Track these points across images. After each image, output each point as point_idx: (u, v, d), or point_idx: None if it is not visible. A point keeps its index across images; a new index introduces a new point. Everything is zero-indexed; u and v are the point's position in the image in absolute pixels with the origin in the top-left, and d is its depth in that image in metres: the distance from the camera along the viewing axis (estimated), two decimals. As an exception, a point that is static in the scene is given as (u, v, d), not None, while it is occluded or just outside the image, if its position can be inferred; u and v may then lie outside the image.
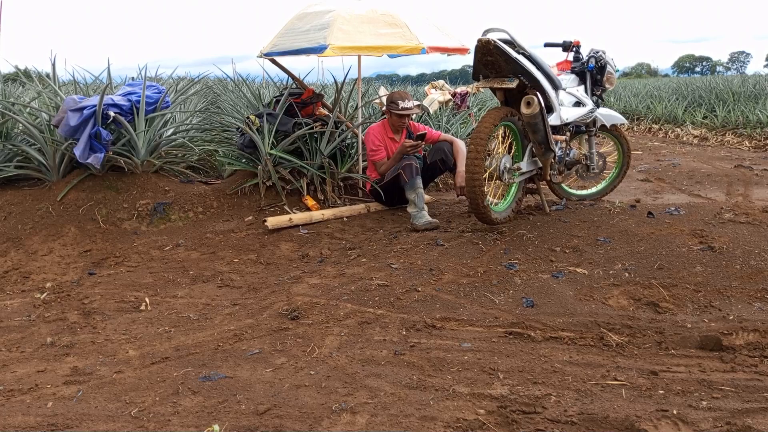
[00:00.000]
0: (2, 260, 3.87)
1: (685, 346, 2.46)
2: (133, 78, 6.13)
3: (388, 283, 3.15)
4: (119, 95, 4.56)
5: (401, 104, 4.55)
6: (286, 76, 5.59)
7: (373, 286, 3.12)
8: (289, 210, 4.54)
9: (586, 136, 4.48)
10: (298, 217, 4.35)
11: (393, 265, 3.39)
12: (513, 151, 3.96)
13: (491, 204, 3.82)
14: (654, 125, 11.83)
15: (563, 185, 4.53)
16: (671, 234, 3.46)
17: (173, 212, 4.47)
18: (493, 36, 3.54)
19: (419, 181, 4.33)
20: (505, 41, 3.57)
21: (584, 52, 4.40)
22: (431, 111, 7.45)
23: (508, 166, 3.78)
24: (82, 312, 3.06)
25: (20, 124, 4.63)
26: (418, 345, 2.50)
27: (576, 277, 3.11)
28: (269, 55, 5.04)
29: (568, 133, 4.21)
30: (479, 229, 3.91)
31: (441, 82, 9.36)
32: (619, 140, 4.71)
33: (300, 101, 5.08)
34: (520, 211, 4.18)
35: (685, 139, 10.25)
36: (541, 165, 4.06)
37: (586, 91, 4.31)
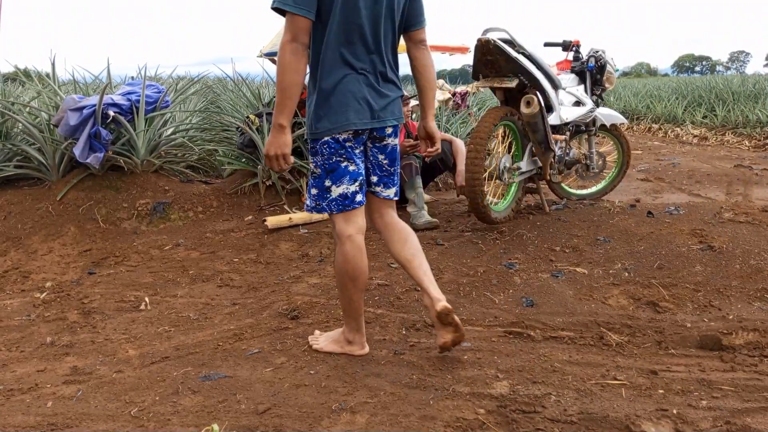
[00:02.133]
0: (2, 260, 3.87)
1: (685, 345, 2.46)
2: (132, 77, 6.12)
3: (388, 283, 3.15)
4: (119, 95, 4.56)
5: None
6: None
7: (373, 286, 3.12)
8: (288, 209, 4.54)
9: (586, 136, 4.48)
10: (298, 216, 4.35)
11: (393, 265, 3.39)
12: (513, 150, 3.96)
13: (491, 203, 3.82)
14: (654, 125, 11.84)
15: (563, 185, 4.53)
16: (671, 233, 3.46)
17: (173, 212, 4.47)
18: (492, 35, 3.55)
19: (419, 181, 4.33)
20: (505, 41, 3.58)
21: (584, 52, 4.41)
22: (431, 110, 7.44)
23: (507, 165, 3.78)
24: (82, 311, 3.06)
25: (20, 124, 4.63)
26: (418, 344, 2.50)
27: (576, 276, 3.11)
28: (269, 55, 5.05)
29: (567, 133, 4.21)
30: (479, 228, 3.91)
31: (441, 81, 9.36)
32: (619, 140, 4.71)
33: (300, 101, 5.08)
34: (520, 210, 4.18)
35: (684, 138, 10.25)
36: (540, 164, 4.06)
37: (585, 91, 4.32)
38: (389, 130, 2.32)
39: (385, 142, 2.32)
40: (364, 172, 2.29)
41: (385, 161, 2.34)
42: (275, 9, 2.08)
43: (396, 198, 2.44)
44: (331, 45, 2.12)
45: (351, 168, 2.22)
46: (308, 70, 2.19)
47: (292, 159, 2.15)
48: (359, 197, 2.26)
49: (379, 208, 2.40)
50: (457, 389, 2.12)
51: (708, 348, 2.44)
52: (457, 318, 2.26)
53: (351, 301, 2.33)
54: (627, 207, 4.17)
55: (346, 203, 2.23)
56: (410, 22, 2.27)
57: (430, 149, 2.47)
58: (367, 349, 2.40)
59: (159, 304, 3.14)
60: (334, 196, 2.23)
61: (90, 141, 4.22)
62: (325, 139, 2.19)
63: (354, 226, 2.27)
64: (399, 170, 2.44)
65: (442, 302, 2.26)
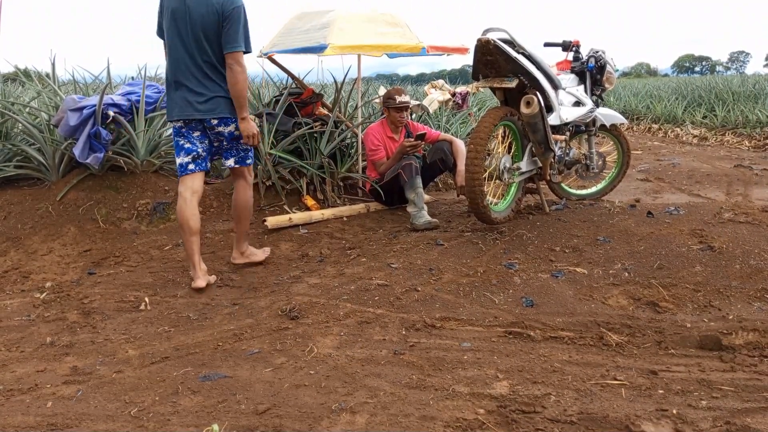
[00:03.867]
0: (2, 260, 3.87)
1: (685, 345, 2.46)
2: (132, 78, 6.12)
3: (387, 283, 3.15)
4: (119, 95, 4.56)
5: (398, 98, 4.61)
6: (285, 75, 5.59)
7: (373, 286, 3.12)
8: (288, 210, 4.54)
9: (586, 136, 4.48)
10: (298, 216, 4.35)
11: (393, 265, 3.39)
12: (513, 150, 3.96)
13: (491, 204, 3.82)
14: (654, 125, 11.84)
15: (563, 185, 4.53)
16: (671, 234, 3.46)
17: (173, 212, 4.46)
18: (492, 35, 3.54)
19: (419, 181, 4.33)
20: (505, 41, 3.57)
21: (584, 52, 4.40)
22: (431, 111, 7.46)
23: (507, 165, 3.78)
24: (82, 312, 3.06)
25: (20, 124, 4.62)
26: (418, 345, 2.50)
27: (576, 276, 3.11)
28: (269, 55, 5.04)
29: (567, 133, 4.21)
30: (479, 228, 3.91)
31: (441, 81, 9.36)
32: (619, 140, 4.71)
33: (300, 101, 5.08)
34: (520, 210, 4.18)
35: (684, 138, 10.25)
36: (540, 165, 4.06)
37: (585, 91, 4.31)
38: (215, 121, 3.24)
39: (216, 130, 3.28)
40: (200, 150, 3.29)
41: (223, 141, 3.34)
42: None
43: (237, 166, 3.42)
44: (168, 59, 3.23)
45: (186, 146, 3.28)
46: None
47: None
48: (191, 166, 3.29)
49: (233, 172, 3.50)
50: (456, 389, 2.12)
51: (708, 348, 2.44)
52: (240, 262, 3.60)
53: (185, 242, 3.34)
54: (627, 207, 4.17)
55: (185, 170, 3.29)
56: (222, 47, 3.17)
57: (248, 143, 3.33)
58: (199, 283, 3.27)
59: (159, 304, 3.14)
60: (178, 164, 3.32)
61: (90, 141, 4.22)
62: (171, 126, 3.35)
63: (186, 188, 3.29)
64: (242, 146, 3.37)
65: (236, 259, 3.61)
